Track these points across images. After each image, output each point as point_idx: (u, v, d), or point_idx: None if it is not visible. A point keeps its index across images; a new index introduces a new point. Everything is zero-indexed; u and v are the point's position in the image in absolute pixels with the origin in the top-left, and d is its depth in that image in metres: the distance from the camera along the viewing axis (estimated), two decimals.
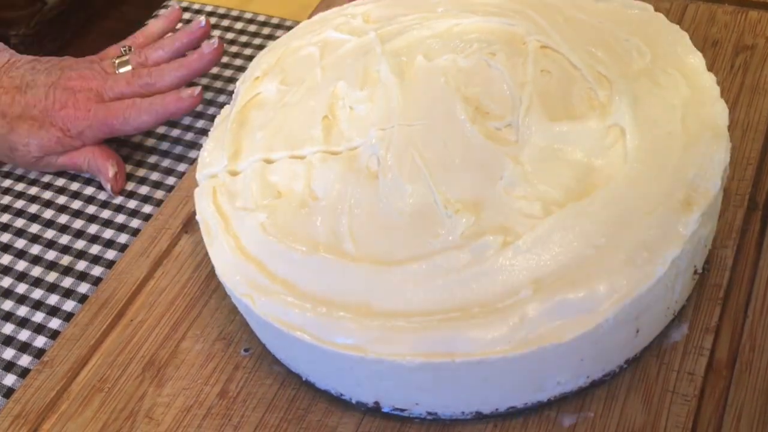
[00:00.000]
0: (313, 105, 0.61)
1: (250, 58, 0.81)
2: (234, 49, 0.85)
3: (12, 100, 0.71)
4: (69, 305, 0.66)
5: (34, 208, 0.73)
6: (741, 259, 0.57)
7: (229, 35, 0.86)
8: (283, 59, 0.66)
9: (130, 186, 0.74)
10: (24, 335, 0.64)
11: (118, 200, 0.73)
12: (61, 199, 0.74)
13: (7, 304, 0.66)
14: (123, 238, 0.70)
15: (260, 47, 0.83)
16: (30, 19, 1.00)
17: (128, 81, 0.73)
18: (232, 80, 0.81)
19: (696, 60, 0.58)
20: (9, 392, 0.60)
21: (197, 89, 0.71)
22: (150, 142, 0.77)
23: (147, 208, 0.71)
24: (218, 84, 0.81)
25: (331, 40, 0.65)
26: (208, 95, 0.80)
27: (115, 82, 0.72)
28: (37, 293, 0.67)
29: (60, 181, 0.75)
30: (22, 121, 0.71)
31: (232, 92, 0.67)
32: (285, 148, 0.59)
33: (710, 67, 0.58)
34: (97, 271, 0.68)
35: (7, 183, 0.76)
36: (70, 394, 0.58)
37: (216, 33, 0.87)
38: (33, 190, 0.75)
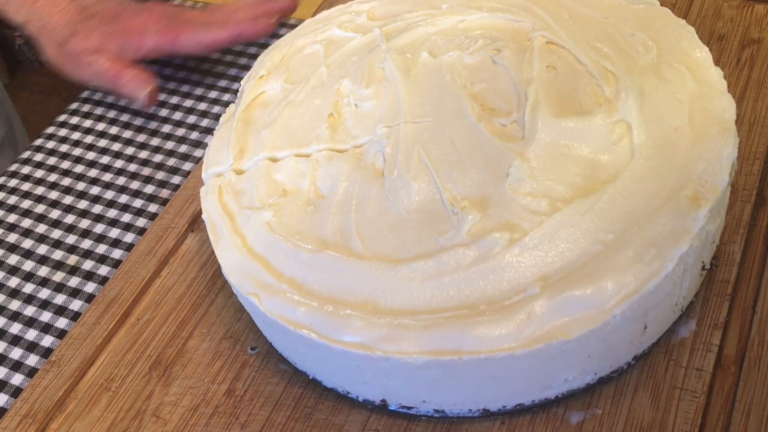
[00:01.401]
0: (318, 103, 0.61)
1: (254, 56, 0.81)
2: (238, 47, 0.84)
3: (96, 1, 0.78)
4: (76, 305, 0.66)
5: (40, 208, 0.74)
6: (749, 255, 0.57)
7: None
8: (287, 58, 0.66)
9: (135, 185, 0.74)
10: (31, 335, 0.64)
11: (124, 199, 0.73)
12: (68, 199, 0.74)
13: (15, 304, 0.66)
14: (129, 237, 0.70)
15: (265, 45, 0.83)
16: None
17: (202, 10, 0.79)
18: (236, 79, 0.81)
19: (702, 54, 0.57)
20: (17, 392, 0.60)
21: (274, 17, 0.76)
22: (155, 141, 0.77)
23: (153, 207, 0.71)
24: (223, 83, 0.81)
25: (336, 38, 0.65)
26: (212, 94, 0.80)
27: (191, 10, 0.79)
28: (44, 293, 0.67)
29: (66, 181, 0.75)
30: (97, 14, 0.77)
31: (236, 91, 0.67)
32: (290, 147, 0.59)
33: (716, 62, 0.58)
34: (103, 270, 0.68)
35: (14, 183, 0.76)
36: (77, 393, 0.58)
37: None
38: (39, 190, 0.75)
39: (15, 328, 0.65)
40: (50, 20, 0.77)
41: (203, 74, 0.82)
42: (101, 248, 0.69)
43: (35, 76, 2.26)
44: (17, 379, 0.62)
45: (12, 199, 0.75)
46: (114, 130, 0.79)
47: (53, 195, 0.74)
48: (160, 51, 0.77)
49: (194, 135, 0.77)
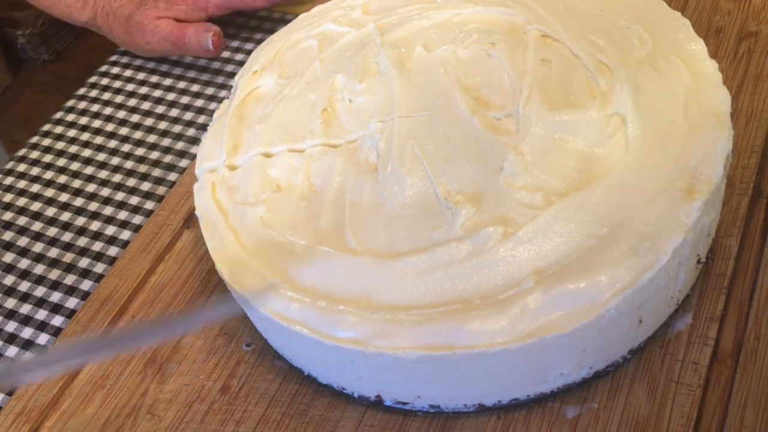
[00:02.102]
0: (312, 98, 0.61)
1: (251, 53, 0.80)
2: (235, 44, 0.84)
3: None
4: (72, 302, 0.65)
5: (36, 206, 0.73)
6: (746, 248, 0.56)
7: (230, 30, 0.85)
8: (281, 52, 0.65)
9: (131, 182, 0.74)
10: (27, 333, 0.64)
11: (120, 197, 0.73)
12: (63, 197, 0.74)
13: (10, 302, 0.66)
14: (125, 234, 0.69)
15: (261, 42, 0.82)
16: (36, 19, 1.01)
17: None
18: (233, 75, 0.81)
19: (698, 47, 0.57)
20: (11, 390, 0.60)
21: None
22: (151, 138, 0.77)
23: (149, 205, 0.71)
24: (220, 79, 0.81)
25: (330, 33, 0.65)
26: (209, 91, 0.80)
27: None
28: (39, 291, 0.67)
29: (62, 179, 0.75)
30: None
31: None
32: (284, 142, 0.59)
33: (714, 55, 0.58)
34: (99, 268, 0.67)
35: (9, 180, 0.76)
36: (72, 391, 0.58)
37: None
38: (35, 188, 0.75)
39: (10, 326, 0.65)
40: (115, 2, 0.82)
41: (200, 71, 0.82)
42: (97, 246, 0.69)
43: (37, 75, 2.26)
44: None
45: (8, 197, 0.74)
46: (110, 127, 0.79)
47: (49, 192, 0.74)
48: (225, 6, 0.81)
49: (191, 132, 0.77)
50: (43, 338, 0.63)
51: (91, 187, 0.74)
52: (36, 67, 2.19)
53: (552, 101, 0.55)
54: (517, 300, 0.48)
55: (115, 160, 0.76)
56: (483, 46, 0.60)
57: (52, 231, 0.71)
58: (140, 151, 0.76)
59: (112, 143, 0.78)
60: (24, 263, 0.69)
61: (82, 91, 0.84)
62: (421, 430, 0.52)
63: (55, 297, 0.66)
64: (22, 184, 0.75)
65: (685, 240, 0.48)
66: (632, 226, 0.49)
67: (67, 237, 0.70)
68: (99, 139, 0.78)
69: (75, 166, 0.76)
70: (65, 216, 0.72)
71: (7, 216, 0.73)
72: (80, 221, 0.71)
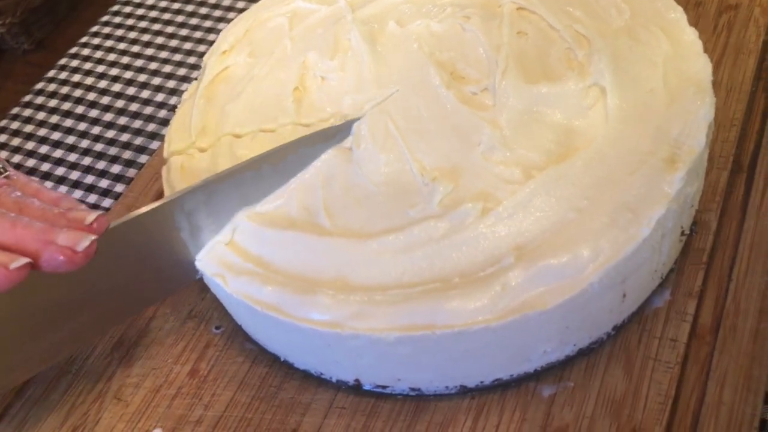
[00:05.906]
0: (282, 77, 0.59)
1: None
2: (208, 23, 0.82)
3: None
4: None
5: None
6: (725, 223, 0.55)
7: (203, 10, 0.83)
8: (251, 31, 0.64)
9: (101, 165, 0.72)
10: None
11: (90, 180, 0.71)
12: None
13: None
14: None
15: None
16: (16, 7, 0.99)
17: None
18: None
19: (677, 15, 0.56)
20: None
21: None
22: (121, 120, 0.75)
23: (119, 188, 0.70)
24: (192, 60, 0.79)
25: (301, 10, 0.63)
26: (182, 71, 0.78)
27: None
28: None
29: (30, 162, 0.73)
30: None
31: None
32: (254, 122, 0.57)
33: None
34: None
35: None
36: (36, 377, 0.56)
37: (189, 8, 0.84)
38: None
39: None
40: None
41: (172, 51, 0.80)
42: None
43: (19, 66, 2.23)
44: None
45: None
46: (80, 109, 0.77)
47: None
48: None
49: (162, 113, 0.75)
50: None
51: (60, 171, 0.72)
52: (17, 57, 2.16)
53: (529, 74, 0.54)
54: (498, 277, 0.46)
55: (85, 143, 0.74)
56: (457, 19, 0.58)
57: None
58: (111, 134, 0.74)
59: (82, 125, 0.76)
60: None
61: (51, 73, 0.82)
62: (394, 411, 0.50)
63: None
64: None
65: (669, 211, 0.47)
66: (614, 197, 0.48)
67: None
68: (69, 122, 0.76)
69: (44, 149, 0.74)
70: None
71: None
72: None
